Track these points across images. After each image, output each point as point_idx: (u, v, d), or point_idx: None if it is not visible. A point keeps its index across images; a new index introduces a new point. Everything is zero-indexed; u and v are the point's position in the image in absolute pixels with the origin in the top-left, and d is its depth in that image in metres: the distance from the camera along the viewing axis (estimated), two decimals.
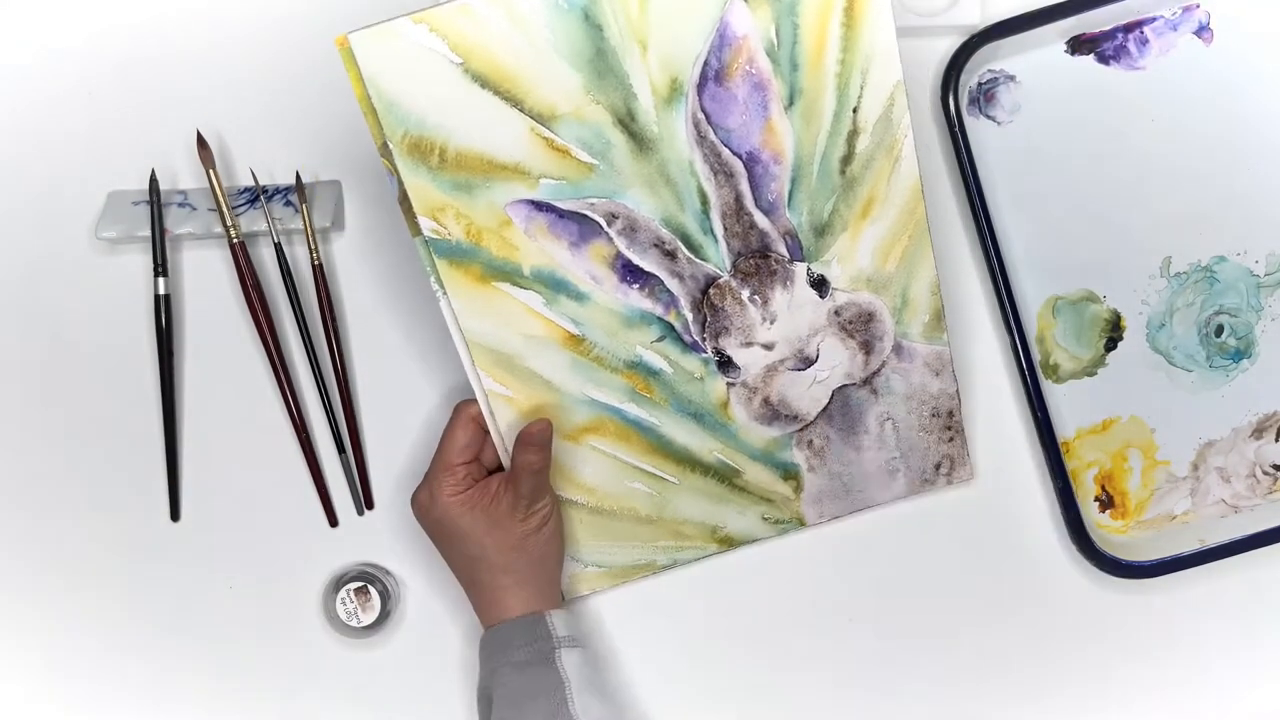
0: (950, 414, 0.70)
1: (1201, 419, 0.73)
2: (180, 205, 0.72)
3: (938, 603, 0.72)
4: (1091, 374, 0.73)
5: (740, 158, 0.62)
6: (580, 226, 0.62)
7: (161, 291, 0.71)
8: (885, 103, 0.62)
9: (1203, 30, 0.72)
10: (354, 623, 0.70)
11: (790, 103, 0.61)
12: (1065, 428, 0.73)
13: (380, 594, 0.70)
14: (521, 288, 0.63)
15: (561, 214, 0.62)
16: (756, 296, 0.65)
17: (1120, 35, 0.73)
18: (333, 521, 0.73)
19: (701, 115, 0.61)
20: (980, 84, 0.73)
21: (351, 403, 0.72)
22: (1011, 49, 0.72)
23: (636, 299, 0.64)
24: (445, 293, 0.63)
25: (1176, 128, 0.72)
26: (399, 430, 0.73)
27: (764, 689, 0.72)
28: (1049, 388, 0.73)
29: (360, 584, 0.70)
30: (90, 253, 0.73)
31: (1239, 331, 0.73)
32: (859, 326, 0.67)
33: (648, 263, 0.63)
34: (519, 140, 0.60)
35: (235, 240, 0.70)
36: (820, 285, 0.65)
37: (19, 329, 0.73)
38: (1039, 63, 0.73)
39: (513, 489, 0.64)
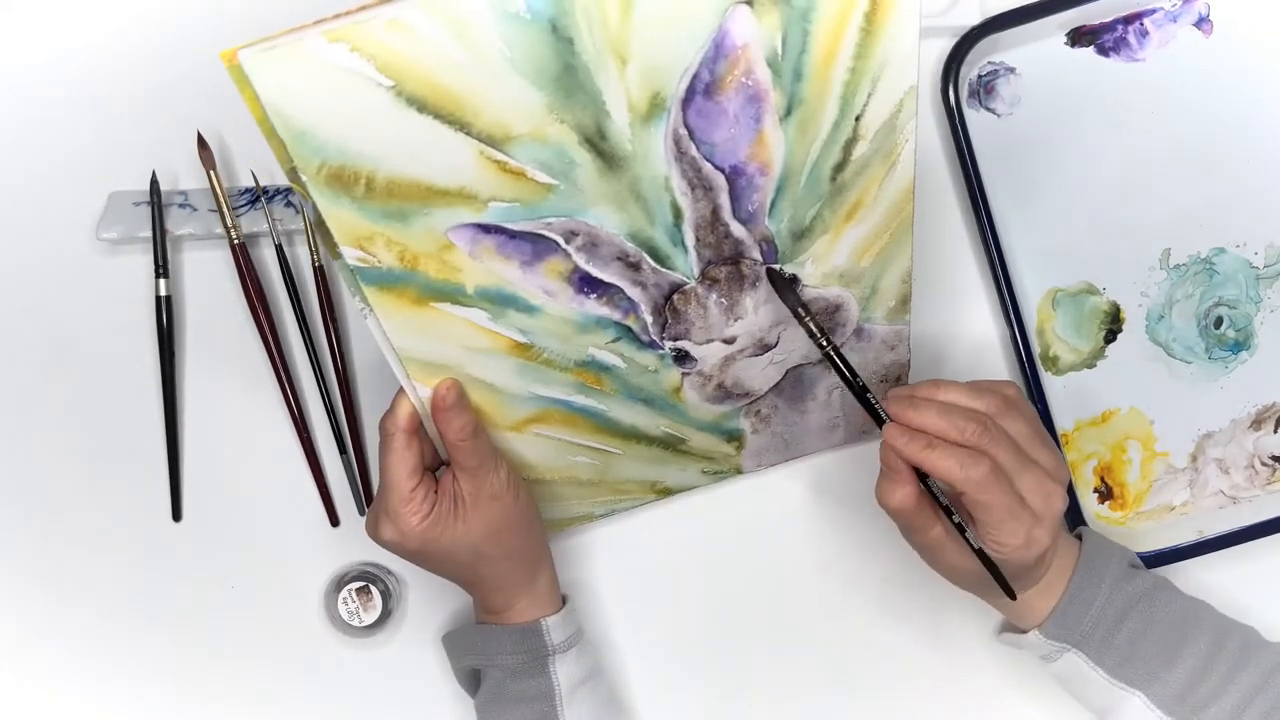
0: (899, 379, 0.70)
1: (1200, 410, 0.73)
2: (181, 206, 0.72)
3: (937, 599, 0.73)
4: (1091, 366, 0.73)
5: (723, 171, 0.55)
6: (534, 246, 0.56)
7: (163, 292, 0.71)
8: (893, 108, 0.56)
9: (1202, 22, 0.72)
10: (356, 622, 0.70)
11: (787, 113, 0.54)
12: (1064, 419, 0.73)
13: (382, 593, 0.70)
14: (465, 306, 0.57)
15: (513, 235, 0.55)
16: (723, 300, 0.61)
17: (1120, 27, 0.72)
18: (334, 521, 0.73)
19: (684, 131, 0.53)
20: (980, 76, 0.73)
21: (352, 402, 0.73)
22: (1011, 41, 0.72)
23: (593, 307, 0.59)
24: (373, 312, 0.56)
25: (1176, 120, 0.72)
26: None
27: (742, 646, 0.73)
28: (1048, 380, 0.73)
29: (362, 583, 0.70)
30: (91, 253, 0.73)
31: (1238, 323, 0.73)
32: (823, 317, 0.64)
33: (608, 275, 0.58)
34: (465, 165, 0.51)
35: (236, 241, 0.70)
36: (791, 283, 0.62)
37: (20, 329, 0.73)
38: (1039, 55, 0.72)
39: (463, 473, 0.61)
